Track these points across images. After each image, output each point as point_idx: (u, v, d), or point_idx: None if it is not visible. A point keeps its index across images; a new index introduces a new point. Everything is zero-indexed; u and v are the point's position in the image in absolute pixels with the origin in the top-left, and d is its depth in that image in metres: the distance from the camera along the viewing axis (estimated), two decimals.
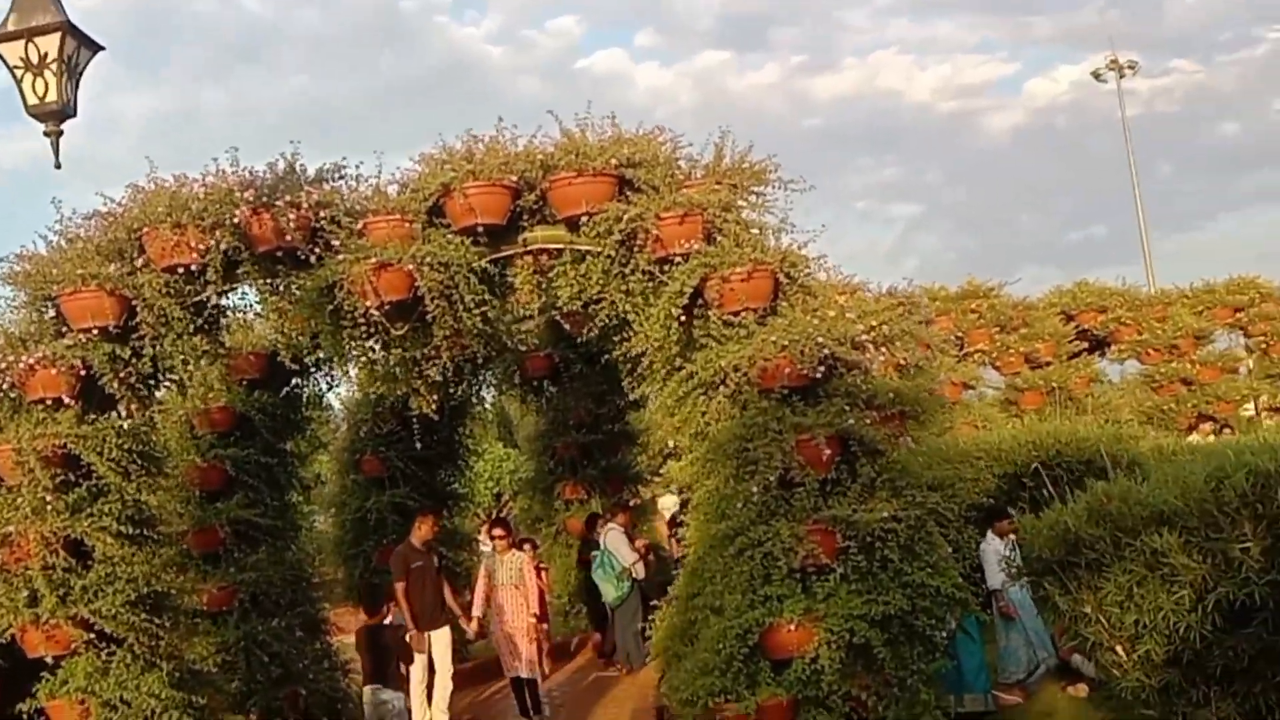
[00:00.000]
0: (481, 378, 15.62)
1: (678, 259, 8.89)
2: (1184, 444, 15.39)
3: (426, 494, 15.25)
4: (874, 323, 8.83)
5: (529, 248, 9.45)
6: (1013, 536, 11.78)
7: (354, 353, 9.44)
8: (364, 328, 9.05)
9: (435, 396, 10.79)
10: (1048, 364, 19.95)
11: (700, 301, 9.00)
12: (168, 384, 9.99)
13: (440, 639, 12.04)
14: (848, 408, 8.61)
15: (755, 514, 8.55)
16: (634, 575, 14.74)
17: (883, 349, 8.88)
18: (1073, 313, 21.98)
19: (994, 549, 11.22)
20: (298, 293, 9.31)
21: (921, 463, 8.91)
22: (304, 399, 13.84)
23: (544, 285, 9.71)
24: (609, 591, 14.58)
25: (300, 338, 10.66)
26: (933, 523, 8.67)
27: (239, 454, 12.64)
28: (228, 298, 9.78)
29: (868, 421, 8.61)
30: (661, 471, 24.37)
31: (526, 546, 13.82)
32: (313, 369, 13.44)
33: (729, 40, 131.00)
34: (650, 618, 11.60)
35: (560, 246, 9.38)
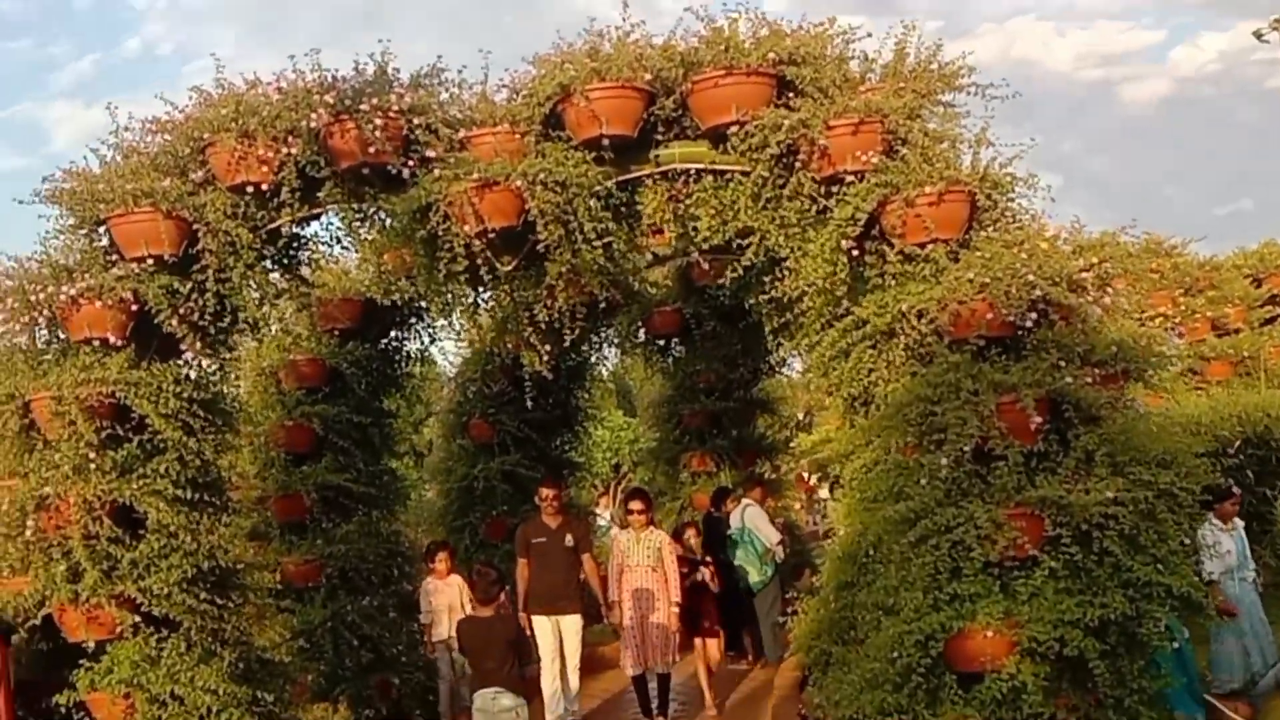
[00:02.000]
0: (602, 333, 14.06)
1: (850, 178, 7.27)
2: None
3: (540, 461, 13.90)
4: (1094, 259, 7.06)
5: (663, 167, 7.85)
6: (1238, 521, 9.99)
7: (455, 293, 7.89)
8: (465, 260, 7.53)
9: (549, 349, 9.27)
10: (1237, 331, 17.82)
11: (875, 232, 7.35)
12: (241, 328, 8.55)
13: (570, 627, 10.50)
14: (1062, 364, 6.89)
15: (943, 493, 6.89)
16: (776, 558, 13.07)
17: (1105, 291, 7.10)
18: (1261, 276, 19.72)
19: (1213, 535, 9.36)
20: (387, 219, 7.83)
21: (1148, 433, 7.12)
22: (404, 353, 12.50)
23: (680, 215, 8.12)
24: (752, 574, 12.91)
25: (397, 279, 9.23)
26: (1164, 507, 6.90)
27: (329, 412, 11.30)
28: (308, 226, 8.37)
29: (1087, 381, 6.87)
30: (792, 445, 22.48)
31: (689, 531, 12.01)
32: (412, 318, 12.04)
33: (861, 4, 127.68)
34: (790, 609, 10.07)
35: (702, 167, 7.78)
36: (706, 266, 13.08)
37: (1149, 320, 16.36)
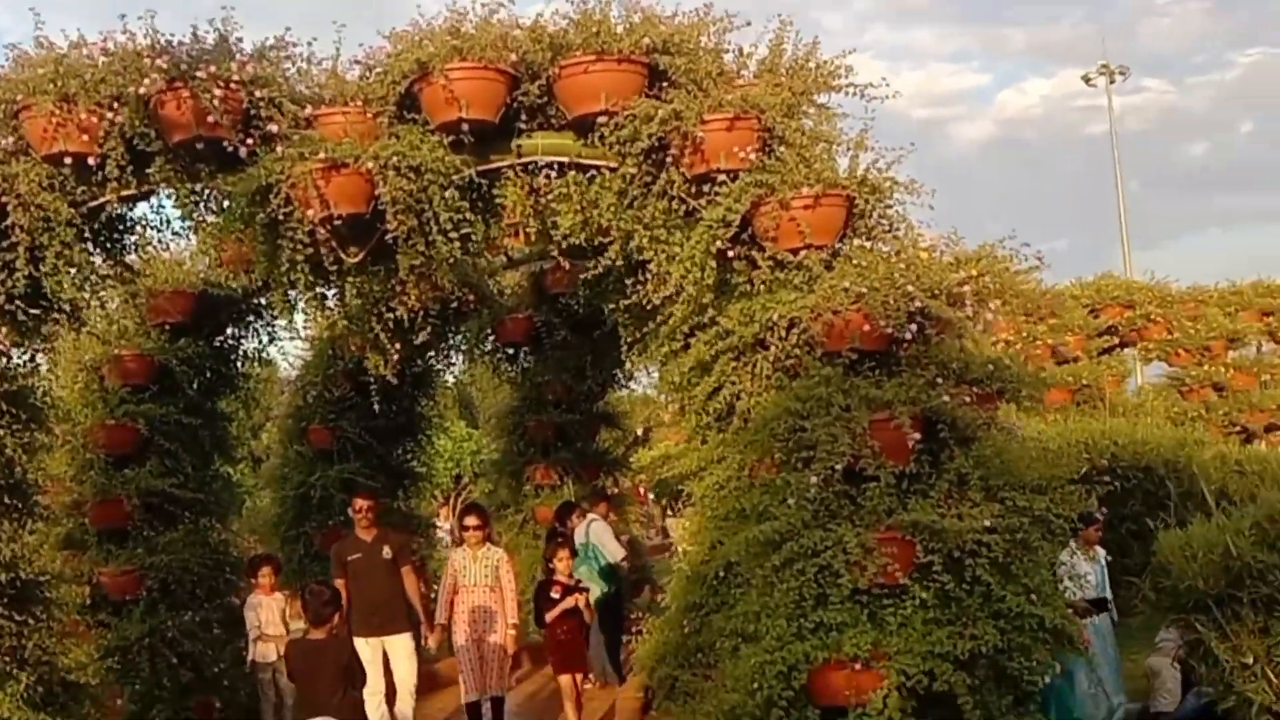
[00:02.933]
0: (450, 339, 13.47)
1: (722, 177, 6.84)
2: (1252, 453, 13.45)
3: (380, 470, 13.25)
4: (973, 272, 6.77)
5: (525, 158, 7.37)
6: (1100, 549, 9.87)
7: (299, 283, 7.26)
8: (309, 249, 6.93)
9: (398, 351, 8.68)
10: (1075, 359, 18.07)
11: (745, 236, 6.95)
12: (57, 316, 7.79)
13: (398, 647, 9.76)
14: (938, 380, 6.58)
15: (810, 514, 6.48)
16: (619, 573, 12.65)
17: (983, 306, 6.81)
18: (1097, 306, 20.13)
19: (1076, 562, 9.17)
20: (223, 201, 7.20)
21: (1023, 456, 6.84)
22: (240, 351, 11.78)
23: (540, 211, 7.64)
24: (594, 590, 12.41)
25: (234, 272, 8.56)
26: (1037, 535, 6.62)
27: (156, 412, 10.54)
28: (135, 208, 7.68)
29: (964, 400, 6.57)
30: (631, 460, 22.17)
31: (561, 553, 10.97)
32: (250, 315, 11.37)
33: None
34: (634, 629, 9.66)
35: (566, 159, 7.31)
36: (561, 274, 12.70)
37: (993, 344, 16.49)
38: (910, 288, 6.47)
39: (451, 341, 13.73)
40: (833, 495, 6.48)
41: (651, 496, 27.57)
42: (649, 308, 7.65)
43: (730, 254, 6.95)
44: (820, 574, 6.40)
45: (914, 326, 6.53)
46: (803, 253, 6.81)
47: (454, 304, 10.46)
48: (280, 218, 6.83)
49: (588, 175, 7.36)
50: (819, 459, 6.43)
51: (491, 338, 14.31)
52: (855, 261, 6.76)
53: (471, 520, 10.46)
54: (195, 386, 11.05)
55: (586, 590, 10.82)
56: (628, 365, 14.54)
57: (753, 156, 6.73)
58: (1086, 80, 46.15)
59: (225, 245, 8.49)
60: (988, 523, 6.37)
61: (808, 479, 6.44)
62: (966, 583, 6.45)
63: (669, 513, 23.45)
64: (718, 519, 8.23)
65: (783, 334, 6.83)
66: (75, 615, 8.60)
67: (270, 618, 10.44)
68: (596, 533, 12.67)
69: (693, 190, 7.00)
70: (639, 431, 30.39)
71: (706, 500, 8.07)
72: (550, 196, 7.53)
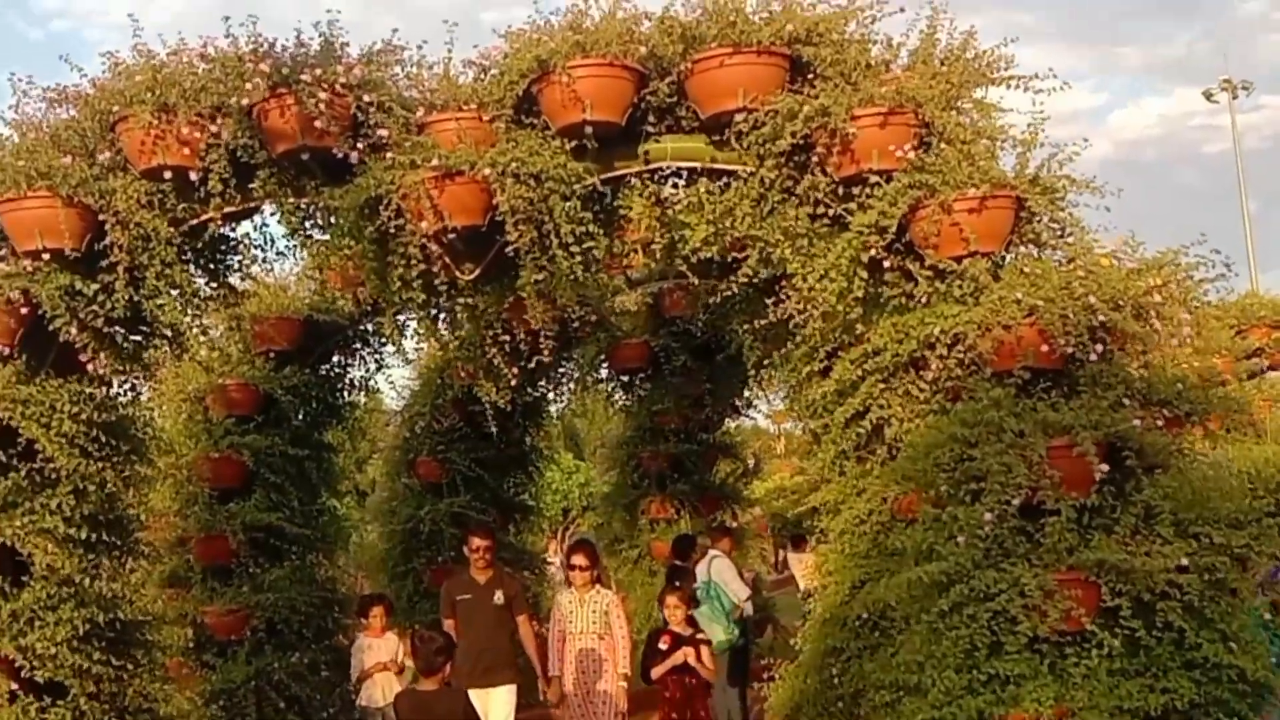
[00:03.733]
0: (562, 366, 12.94)
1: (874, 179, 6.18)
2: None
3: (490, 504, 12.82)
4: (1157, 281, 6.01)
5: (653, 165, 6.77)
6: None
7: (411, 302, 6.73)
8: (421, 265, 6.40)
9: (516, 376, 8.10)
10: (1224, 383, 17.02)
11: (898, 244, 6.28)
12: (159, 342, 7.36)
13: (499, 700, 8.99)
14: (1124, 402, 5.83)
15: (981, 554, 5.76)
16: (744, 614, 11.89)
17: (1169, 320, 6.05)
18: (1243, 327, 19.04)
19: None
20: (330, 217, 6.71)
21: (1217, 487, 6.06)
22: (347, 380, 11.38)
23: (666, 223, 7.06)
24: (717, 633, 11.60)
25: (340, 291, 8.07)
26: (1235, 575, 5.83)
27: (261, 443, 10.15)
28: (238, 226, 7.21)
29: (1158, 424, 5.83)
30: (745, 490, 21.46)
31: (671, 599, 9.43)
32: (357, 342, 10.92)
33: None
34: (766, 674, 8.82)
35: (697, 165, 6.71)
36: (680, 295, 12.12)
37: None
38: (1092, 299, 5.75)
39: (564, 369, 13.23)
40: (1007, 531, 5.76)
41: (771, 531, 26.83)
42: (783, 327, 7.02)
43: (885, 264, 6.28)
44: (994, 619, 5.69)
45: (1097, 345, 5.80)
46: (966, 261, 6.12)
47: (574, 325, 9.86)
48: (391, 231, 6.31)
49: (720, 182, 6.76)
50: (991, 491, 5.73)
51: (605, 364, 13.77)
52: (1026, 270, 6.05)
53: (579, 559, 9.69)
54: (301, 417, 10.75)
55: (706, 642, 9.34)
56: (747, 392, 14.19)
57: (911, 155, 6.06)
58: (1208, 96, 44.62)
59: (332, 266, 8.02)
60: (1184, 561, 5.60)
61: (980, 513, 5.72)
62: (1157, 629, 5.70)
63: (787, 547, 22.69)
64: (858, 556, 7.60)
65: (944, 352, 6.15)
66: (178, 658, 8.16)
67: (384, 662, 9.90)
68: (719, 570, 11.87)
69: (840, 194, 6.35)
70: (750, 463, 29.66)
71: (846, 536, 7.48)
72: (679, 207, 6.94)
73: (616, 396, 14.48)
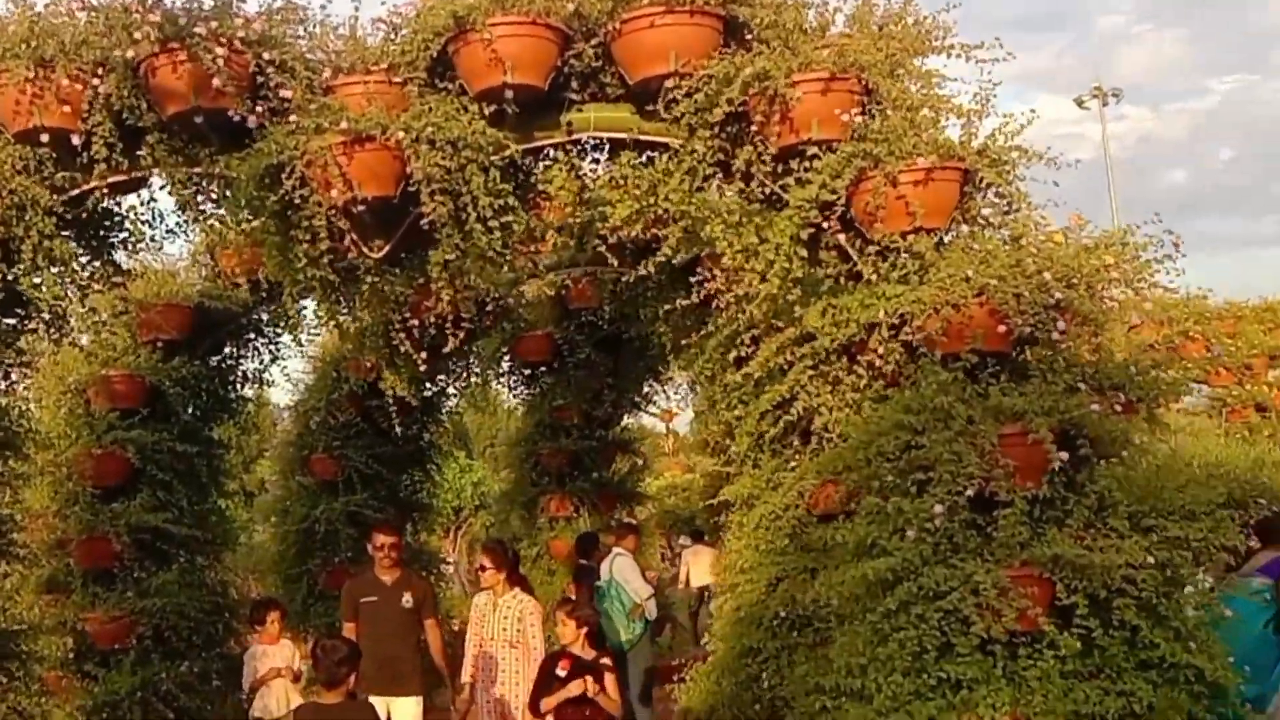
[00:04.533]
0: (464, 359, 12.49)
1: (814, 150, 5.84)
2: None
3: (388, 502, 12.44)
4: (1109, 259, 5.76)
5: (575, 135, 6.37)
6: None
7: (311, 284, 6.26)
8: (327, 240, 5.93)
9: (424, 363, 7.67)
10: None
11: (836, 220, 5.94)
12: (34, 326, 6.81)
13: (404, 711, 8.46)
14: (1079, 387, 5.56)
15: (930, 549, 5.44)
16: (646, 614, 11.57)
17: (1122, 297, 5.81)
18: (1272, 326, 19.27)
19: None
20: (228, 186, 6.21)
21: (1173, 477, 5.81)
22: (240, 372, 10.91)
23: (586, 200, 6.70)
24: (619, 632, 11.32)
25: (234, 274, 7.56)
26: (1188, 570, 5.59)
27: (148, 438, 9.63)
28: (125, 198, 6.68)
29: (1116, 409, 5.58)
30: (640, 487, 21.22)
31: (559, 613, 8.22)
32: (251, 332, 10.46)
33: None
34: (676, 675, 8.84)
35: (623, 135, 6.33)
36: (585, 285, 11.79)
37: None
38: (1046, 275, 5.47)
39: (465, 362, 12.79)
40: (958, 525, 5.45)
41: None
42: (702, 312, 6.72)
43: (821, 242, 5.95)
44: (945, 619, 5.36)
45: (1059, 324, 5.52)
46: (910, 238, 5.81)
47: (483, 313, 9.44)
48: (295, 202, 5.85)
49: (647, 155, 6.39)
50: (940, 481, 5.42)
51: (508, 357, 13.40)
52: (974, 248, 5.76)
53: (488, 561, 9.09)
54: (190, 411, 10.29)
55: (612, 669, 7.78)
56: (647, 387, 13.96)
57: (858, 119, 5.73)
58: (1079, 103, 45.99)
59: (227, 245, 7.51)
60: (1151, 559, 5.33)
61: (929, 505, 5.40)
62: (1113, 628, 5.42)
63: (679, 543, 22.56)
64: (774, 552, 7.40)
65: (886, 335, 5.84)
66: (57, 669, 7.63)
67: (279, 670, 9.38)
68: (620, 568, 11.56)
69: (777, 171, 6.01)
70: (638, 461, 29.49)
71: (761, 531, 7.27)
72: (601, 182, 6.57)
73: (518, 390, 14.16)
